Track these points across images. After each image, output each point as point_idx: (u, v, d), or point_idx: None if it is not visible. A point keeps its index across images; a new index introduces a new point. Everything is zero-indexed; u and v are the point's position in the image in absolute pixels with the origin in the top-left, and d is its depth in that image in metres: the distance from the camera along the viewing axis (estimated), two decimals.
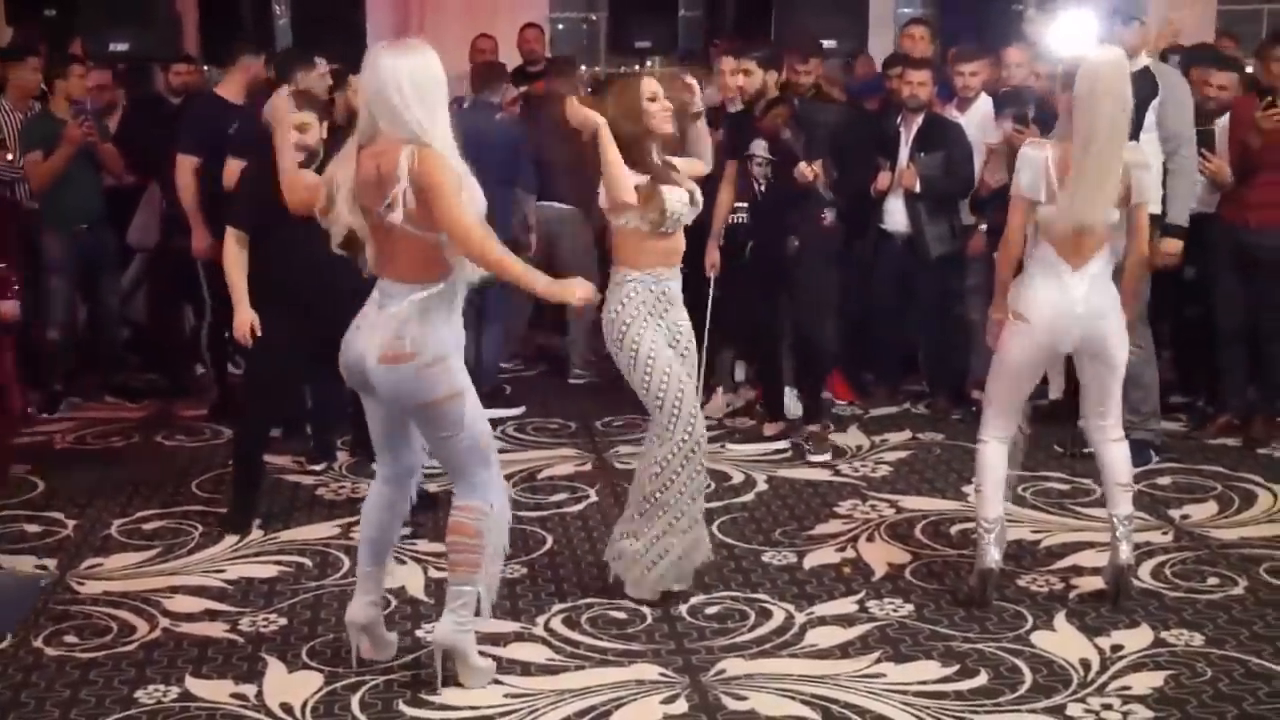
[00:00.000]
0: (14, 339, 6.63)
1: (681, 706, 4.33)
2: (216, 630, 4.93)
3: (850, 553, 5.65)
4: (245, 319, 5.74)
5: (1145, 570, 5.35)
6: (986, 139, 7.47)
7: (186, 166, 7.25)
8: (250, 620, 5.02)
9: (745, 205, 7.15)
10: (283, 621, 5.01)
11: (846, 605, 5.11)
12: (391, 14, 11.58)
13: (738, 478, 6.61)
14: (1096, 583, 5.19)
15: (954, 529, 5.88)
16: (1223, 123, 7.10)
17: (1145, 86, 6.43)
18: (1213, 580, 5.29)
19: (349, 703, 4.37)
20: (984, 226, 7.39)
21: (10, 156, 7.73)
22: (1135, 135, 6.18)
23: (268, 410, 6.19)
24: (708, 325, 6.66)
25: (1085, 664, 4.58)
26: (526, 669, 4.59)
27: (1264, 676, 4.47)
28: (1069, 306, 4.86)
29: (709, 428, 5.23)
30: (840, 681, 4.48)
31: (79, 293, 8.07)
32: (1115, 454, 5.10)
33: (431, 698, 4.38)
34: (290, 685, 4.50)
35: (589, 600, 5.18)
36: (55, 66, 7.97)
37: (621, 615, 5.03)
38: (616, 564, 5.15)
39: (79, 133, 7.66)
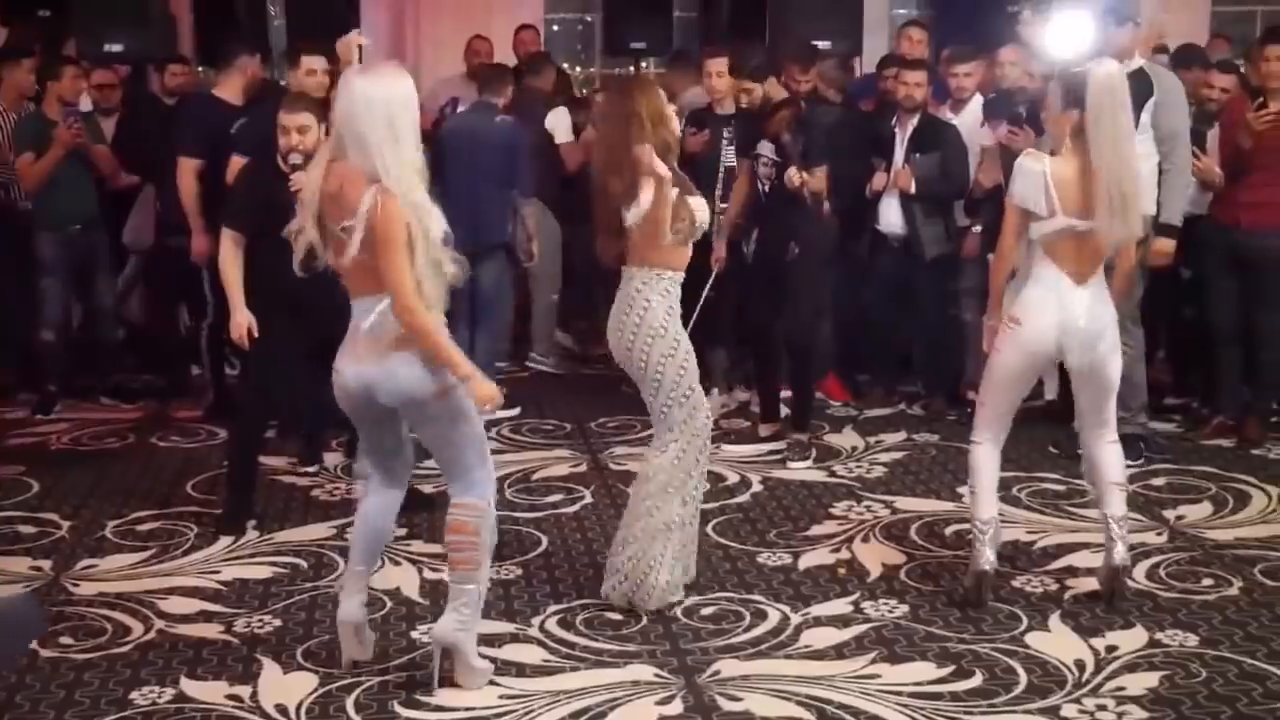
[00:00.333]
0: None
1: (677, 708, 4.33)
2: (211, 631, 4.92)
3: (845, 554, 5.65)
4: (242, 321, 5.74)
5: (1140, 571, 5.36)
6: (980, 140, 7.48)
7: (188, 168, 7.24)
8: (245, 621, 5.01)
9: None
10: (278, 623, 5.01)
11: (842, 606, 5.11)
12: (386, 15, 11.59)
13: (733, 478, 6.61)
14: (1091, 583, 5.19)
15: (949, 530, 5.89)
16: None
17: (1140, 87, 6.43)
18: (1207, 581, 5.30)
19: (344, 704, 4.36)
20: (978, 228, 7.40)
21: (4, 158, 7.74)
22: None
23: (263, 412, 6.19)
24: (693, 322, 6.68)
25: (1080, 665, 4.58)
26: (522, 670, 4.59)
27: (1258, 677, 4.48)
28: (1071, 321, 4.85)
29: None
30: (835, 682, 4.48)
31: (74, 294, 8.05)
32: (1109, 455, 5.10)
33: (427, 699, 4.38)
34: (285, 686, 4.49)
35: (584, 601, 5.17)
36: (49, 67, 7.96)
37: (617, 616, 5.02)
38: (615, 591, 5.06)
39: (68, 135, 7.65)
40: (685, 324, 5.11)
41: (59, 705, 4.36)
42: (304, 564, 5.58)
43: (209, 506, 6.22)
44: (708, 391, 7.54)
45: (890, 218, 7.60)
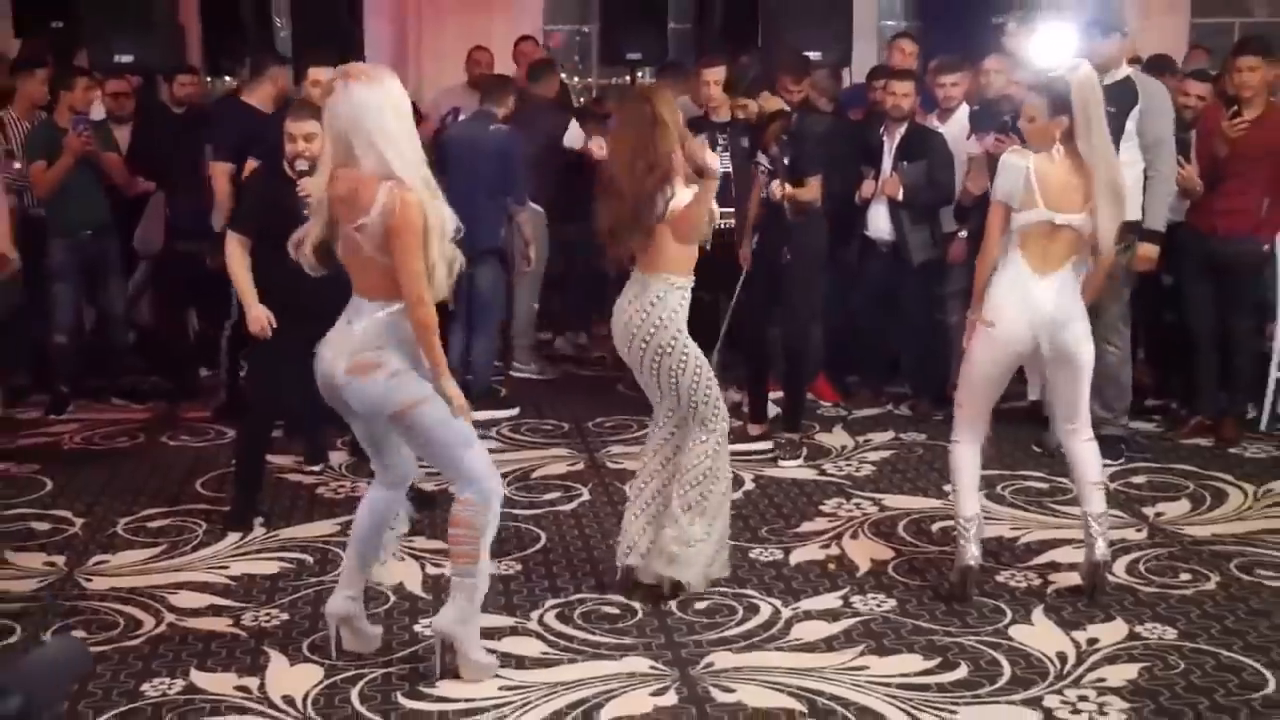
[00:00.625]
0: None
1: (671, 699, 4.34)
2: (220, 625, 4.94)
3: (835, 549, 5.66)
4: (260, 314, 5.74)
5: (1120, 566, 5.37)
6: (967, 149, 7.50)
7: (221, 172, 7.26)
8: (253, 615, 5.03)
9: (733, 211, 7.17)
10: (284, 616, 5.02)
11: (831, 600, 5.13)
12: (389, 26, 11.60)
13: (724, 477, 6.60)
14: (1073, 578, 5.21)
15: (935, 526, 5.90)
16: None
17: (1126, 95, 6.47)
18: (1185, 576, 5.32)
19: (348, 695, 4.38)
20: (964, 233, 7.42)
21: (17, 165, 7.74)
22: (1116, 143, 6.22)
23: (271, 412, 6.19)
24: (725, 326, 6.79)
25: (1062, 657, 4.60)
26: (521, 662, 4.60)
27: (1234, 669, 4.50)
28: (1036, 310, 4.88)
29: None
30: (825, 674, 4.49)
31: (85, 298, 8.06)
32: (1086, 453, 5.12)
33: (429, 690, 4.39)
34: (292, 678, 4.51)
35: (582, 595, 5.19)
36: (62, 77, 7.97)
37: (613, 610, 5.04)
38: (670, 569, 5.08)
39: (78, 143, 7.66)
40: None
41: (73, 697, 4.35)
42: (309, 559, 5.59)
43: (217, 504, 6.23)
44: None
45: (879, 224, 7.61)
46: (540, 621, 4.95)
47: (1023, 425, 6.73)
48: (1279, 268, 7.21)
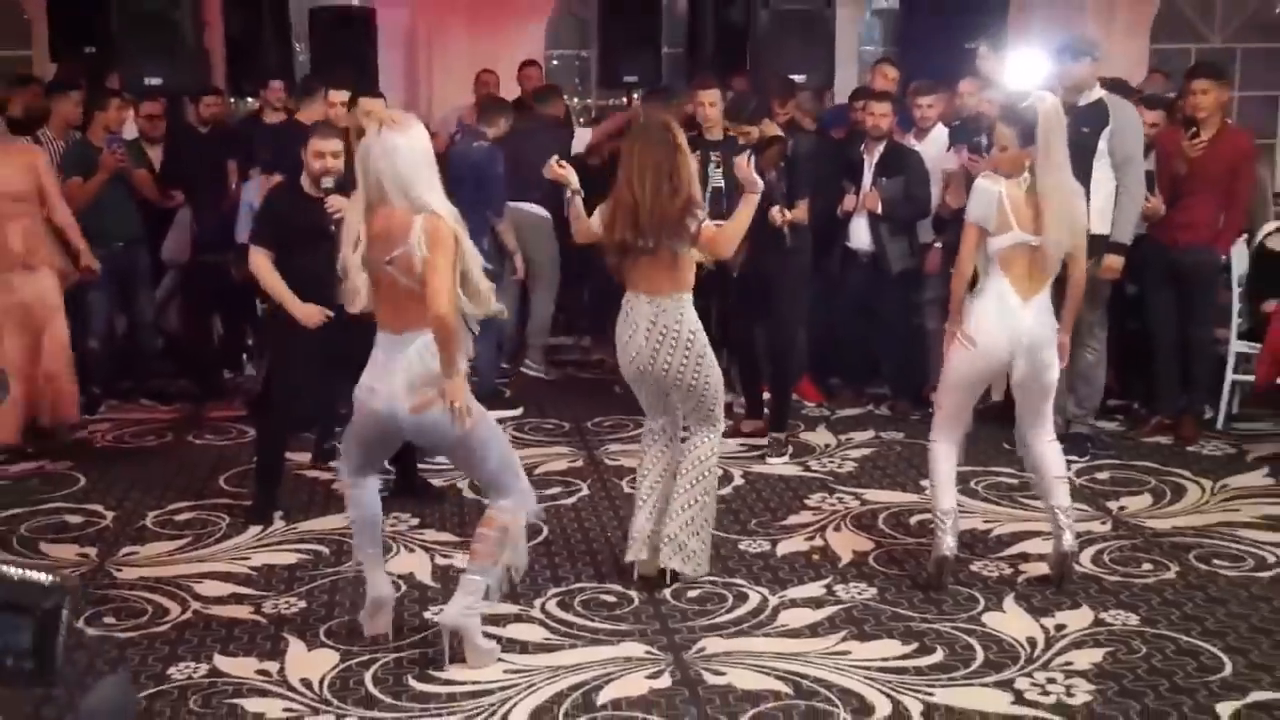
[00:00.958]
0: None
1: (665, 681, 4.33)
2: (242, 612, 4.93)
3: (819, 541, 5.65)
4: (309, 310, 5.67)
5: (1086, 556, 5.37)
6: (943, 165, 7.50)
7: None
8: (273, 603, 5.02)
9: None
10: (302, 604, 5.01)
11: (816, 589, 5.12)
12: (402, 51, 11.57)
13: (717, 473, 6.58)
14: (1042, 568, 5.20)
15: (913, 519, 5.89)
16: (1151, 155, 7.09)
17: (1099, 117, 6.45)
18: (1147, 566, 5.31)
19: (363, 678, 4.36)
20: (939, 244, 7.42)
21: None
22: (1089, 162, 6.22)
23: (291, 413, 6.16)
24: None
25: (1032, 642, 4.60)
26: (525, 647, 4.59)
27: (1193, 653, 4.49)
28: (1016, 333, 4.88)
29: (685, 428, 5.25)
30: (810, 658, 4.48)
31: (117, 306, 8.04)
32: (1050, 452, 5.11)
33: (438, 674, 4.38)
34: (309, 662, 4.50)
35: (582, 584, 5.18)
36: (95, 99, 7.96)
37: (611, 599, 5.03)
38: (674, 560, 5.07)
39: (113, 159, 7.65)
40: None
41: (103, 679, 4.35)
42: (326, 550, 5.58)
43: (239, 499, 6.22)
44: None
45: (859, 236, 7.61)
46: (543, 609, 4.94)
47: (991, 425, 6.70)
48: (1234, 276, 7.22)
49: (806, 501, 6.21)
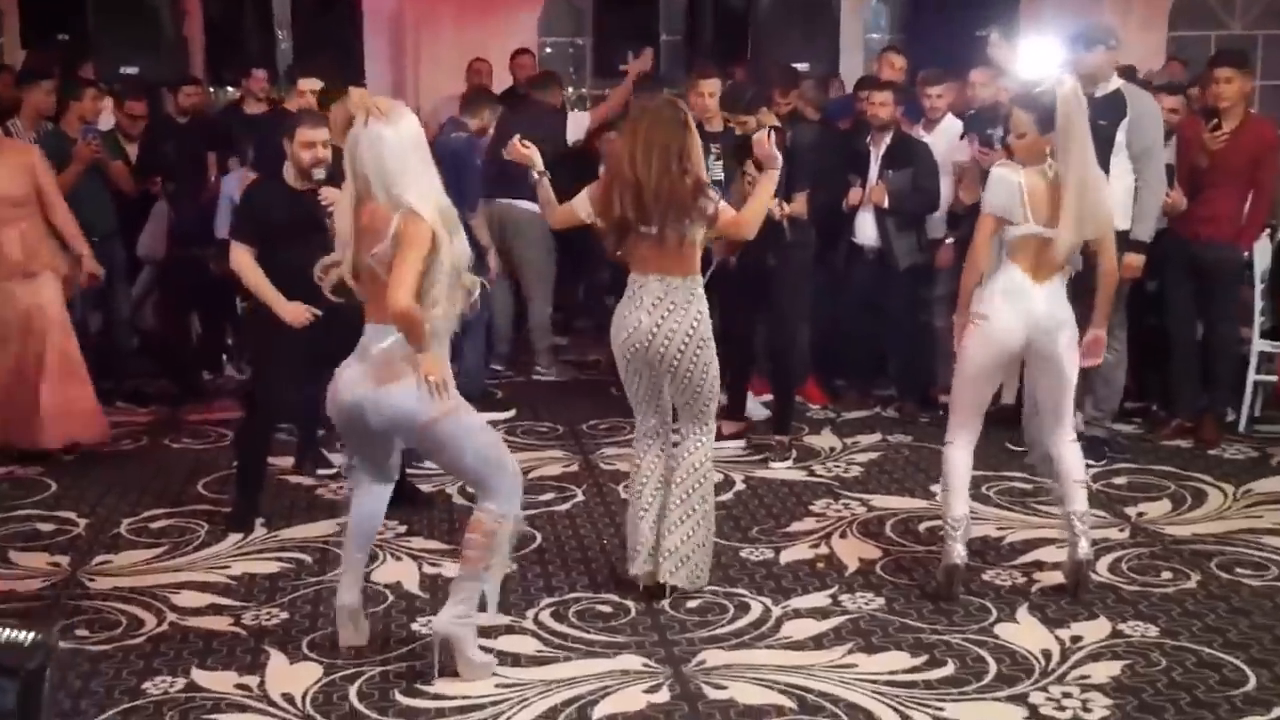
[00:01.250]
0: None
1: (664, 696, 4.30)
2: (221, 624, 4.90)
3: (824, 549, 5.63)
4: (294, 309, 5.65)
5: (1103, 565, 5.35)
6: (953, 157, 7.48)
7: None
8: (253, 614, 4.99)
9: None
10: (284, 615, 4.98)
11: (820, 599, 5.10)
12: (388, 38, 11.55)
13: (717, 478, 6.54)
14: (1057, 577, 5.18)
15: (922, 526, 5.87)
16: (1170, 144, 7.08)
17: (1116, 108, 6.43)
18: (1167, 574, 5.29)
19: (347, 692, 4.34)
20: (950, 240, 7.41)
21: None
22: (1107, 155, 6.20)
23: (272, 415, 6.14)
24: None
25: (1046, 654, 4.57)
26: (517, 660, 4.56)
27: (1214, 666, 4.47)
28: (1030, 311, 4.87)
29: (676, 429, 5.24)
30: (815, 671, 4.46)
31: (92, 302, 8.01)
32: (1071, 453, 5.09)
33: (426, 688, 4.35)
34: (291, 676, 4.47)
35: (577, 594, 5.16)
36: (68, 89, 7.93)
37: (607, 609, 5.01)
38: (677, 574, 5.05)
39: (88, 151, 7.63)
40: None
41: (75, 694, 4.32)
42: (309, 559, 5.55)
43: (219, 505, 6.19)
44: None
45: (866, 230, 7.60)
46: (536, 620, 4.91)
47: (997, 428, 6.68)
48: (1256, 273, 7.20)
49: (811, 507, 6.19)
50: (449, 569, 5.17)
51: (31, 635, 2.02)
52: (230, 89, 10.54)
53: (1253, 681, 4.35)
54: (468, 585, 4.36)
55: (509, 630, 4.80)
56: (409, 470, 6.25)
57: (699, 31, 11.02)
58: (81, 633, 4.80)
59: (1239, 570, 5.32)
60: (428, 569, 5.39)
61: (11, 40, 10.72)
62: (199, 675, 4.48)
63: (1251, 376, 7.27)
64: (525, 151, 5.08)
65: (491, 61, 10.14)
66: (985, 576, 5.27)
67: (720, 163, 7.26)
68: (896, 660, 4.55)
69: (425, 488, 6.31)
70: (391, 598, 5.10)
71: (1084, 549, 5.03)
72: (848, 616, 4.92)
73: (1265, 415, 7.42)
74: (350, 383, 4.27)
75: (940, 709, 4.19)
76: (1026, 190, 4.82)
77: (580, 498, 6.36)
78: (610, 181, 4.94)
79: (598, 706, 4.23)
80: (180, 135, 8.66)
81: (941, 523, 5.17)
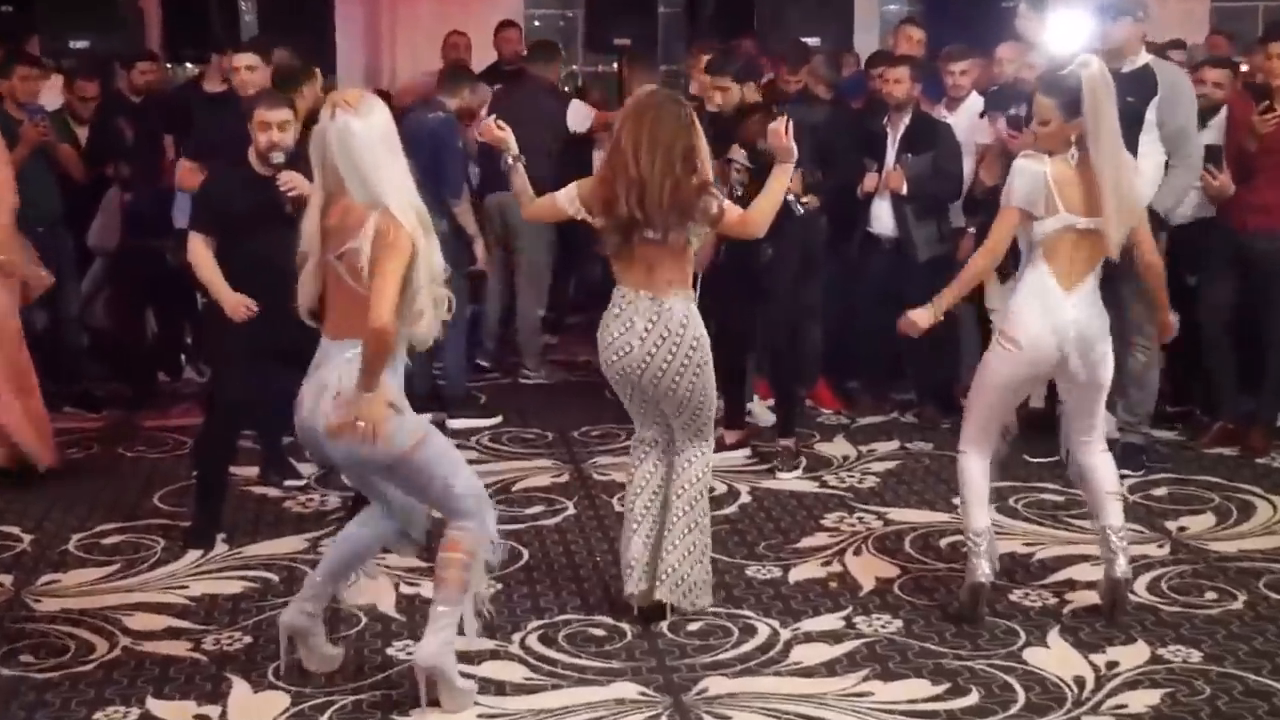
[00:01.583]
0: None
1: None
2: (179, 649, 4.89)
3: (837, 567, 5.63)
4: (236, 300, 5.67)
5: (1141, 584, 5.34)
6: (977, 139, 7.47)
7: None
8: (214, 639, 4.98)
9: None
10: (248, 640, 4.97)
11: (833, 621, 5.10)
12: (361, 10, 11.53)
13: (720, 489, 6.57)
14: (1091, 597, 5.18)
15: (944, 542, 5.87)
16: (1217, 121, 7.07)
17: (1145, 85, 6.42)
18: (1211, 595, 5.28)
19: None
20: (973, 229, 7.39)
21: None
22: (1135, 135, 6.19)
23: (232, 419, 6.12)
24: None
25: (1080, 681, 4.57)
26: (501, 688, 4.56)
27: (1263, 694, 4.46)
28: (1062, 327, 4.85)
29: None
30: (827, 700, 4.46)
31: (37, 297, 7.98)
32: (1102, 464, 5.09)
33: (402, 718, 4.34)
34: (256, 706, 4.46)
35: (567, 616, 5.15)
36: (7, 65, 7.91)
37: (600, 632, 5.00)
38: (675, 593, 5.05)
39: (35, 133, 7.62)
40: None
41: None
42: (275, 579, 5.54)
43: (177, 519, 6.18)
44: None
45: (882, 219, 7.59)
46: (522, 644, 4.91)
47: (1031, 432, 6.68)
48: None
49: (822, 521, 6.19)
50: (427, 589, 5.16)
51: None
52: (190, 65, 10.51)
53: None
54: (449, 611, 4.34)
55: (493, 655, 4.80)
56: None
57: (700, 3, 11.01)
58: (26, 659, 4.79)
59: None
60: (405, 589, 5.38)
61: None
62: (155, 705, 4.47)
63: None
64: (499, 133, 5.06)
65: (477, 35, 10.10)
66: (1013, 597, 5.26)
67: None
68: (916, 688, 4.54)
69: None
70: (365, 620, 5.09)
71: (1121, 567, 5.02)
72: (863, 640, 4.92)
73: None
74: (309, 410, 4.27)
75: None
76: (1054, 180, 4.81)
77: (571, 511, 6.35)
78: (612, 179, 4.91)
79: None
80: (135, 116, 8.63)
81: (964, 538, 5.17)
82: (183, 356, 8.81)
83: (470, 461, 4.58)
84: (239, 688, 4.58)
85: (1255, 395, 7.19)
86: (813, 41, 8.88)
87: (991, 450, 5.10)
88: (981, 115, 7.51)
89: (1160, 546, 5.80)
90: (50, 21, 8.86)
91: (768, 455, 7.03)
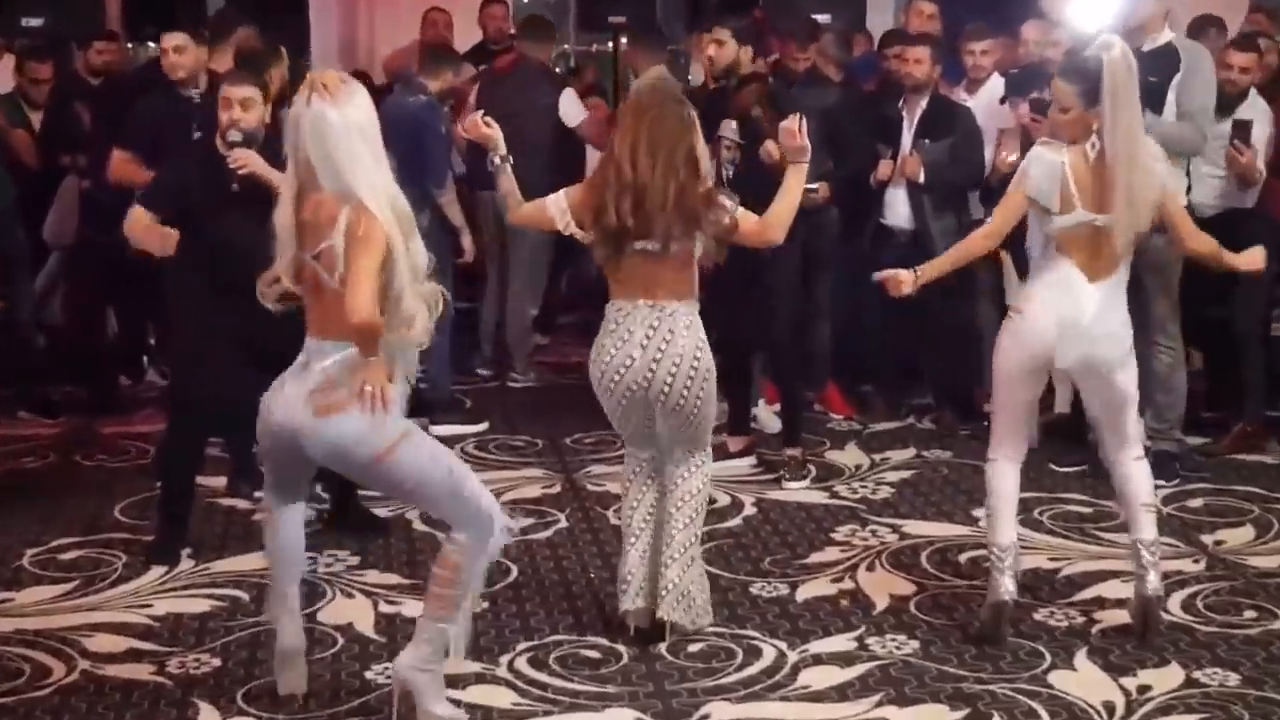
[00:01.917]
0: None
1: None
2: (142, 672, 4.90)
3: (848, 584, 5.65)
4: (160, 231, 5.71)
5: (1175, 602, 5.36)
6: (998, 123, 7.48)
7: None
8: (179, 661, 4.99)
9: None
10: (216, 662, 4.98)
11: (844, 642, 5.11)
12: None
13: (723, 500, 6.59)
14: (1122, 616, 5.19)
15: (963, 557, 5.89)
16: (1244, 108, 7.06)
17: (1168, 63, 6.45)
18: (1249, 613, 5.31)
19: None
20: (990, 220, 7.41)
21: None
22: (1158, 114, 6.22)
23: (195, 424, 6.12)
24: None
25: (1109, 707, 4.58)
26: (489, 714, 4.57)
27: None
28: (1076, 318, 4.87)
29: None
30: None
31: None
32: (1137, 473, 5.11)
33: None
34: None
35: (558, 637, 5.17)
36: None
37: (595, 654, 5.02)
38: (676, 611, 5.07)
39: None
40: None
41: None
42: (245, 597, 5.55)
43: (139, 533, 6.19)
44: None
45: (897, 210, 7.60)
46: (511, 667, 4.92)
47: (1047, 441, 6.70)
48: None
49: (833, 535, 6.21)
50: (409, 608, 5.18)
51: None
52: (152, 45, 10.52)
53: None
54: (434, 627, 4.36)
55: (480, 679, 4.81)
56: (362, 491, 6.26)
57: None
58: None
59: None
60: (384, 608, 5.40)
61: None
62: None
63: None
64: (486, 130, 5.07)
65: (461, 12, 10.11)
66: (1038, 616, 5.28)
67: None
68: (933, 714, 4.56)
69: (381, 512, 6.31)
70: (342, 641, 5.11)
71: (1153, 583, 5.04)
72: (876, 663, 4.93)
73: None
74: (286, 405, 4.27)
75: None
76: (1071, 172, 4.83)
77: (563, 523, 6.37)
78: (603, 185, 4.92)
79: None
80: (93, 99, 8.64)
81: (986, 553, 5.19)
82: (145, 358, 8.82)
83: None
84: (206, 713, 4.59)
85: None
86: (823, 19, 8.90)
87: (1022, 457, 5.12)
88: (1002, 101, 7.52)
89: (1196, 561, 5.82)
90: None
91: (774, 464, 7.05)
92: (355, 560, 5.87)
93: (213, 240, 5.65)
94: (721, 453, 7.03)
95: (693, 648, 5.04)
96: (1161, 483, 6.33)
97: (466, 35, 10.01)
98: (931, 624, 5.25)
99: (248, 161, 5.58)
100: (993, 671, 4.84)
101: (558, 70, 10.50)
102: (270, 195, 4.56)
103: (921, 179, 7.46)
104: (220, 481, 6.70)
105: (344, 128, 4.18)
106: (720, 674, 4.86)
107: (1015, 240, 6.04)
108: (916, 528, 6.28)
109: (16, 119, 8.26)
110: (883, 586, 5.61)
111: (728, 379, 7.24)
